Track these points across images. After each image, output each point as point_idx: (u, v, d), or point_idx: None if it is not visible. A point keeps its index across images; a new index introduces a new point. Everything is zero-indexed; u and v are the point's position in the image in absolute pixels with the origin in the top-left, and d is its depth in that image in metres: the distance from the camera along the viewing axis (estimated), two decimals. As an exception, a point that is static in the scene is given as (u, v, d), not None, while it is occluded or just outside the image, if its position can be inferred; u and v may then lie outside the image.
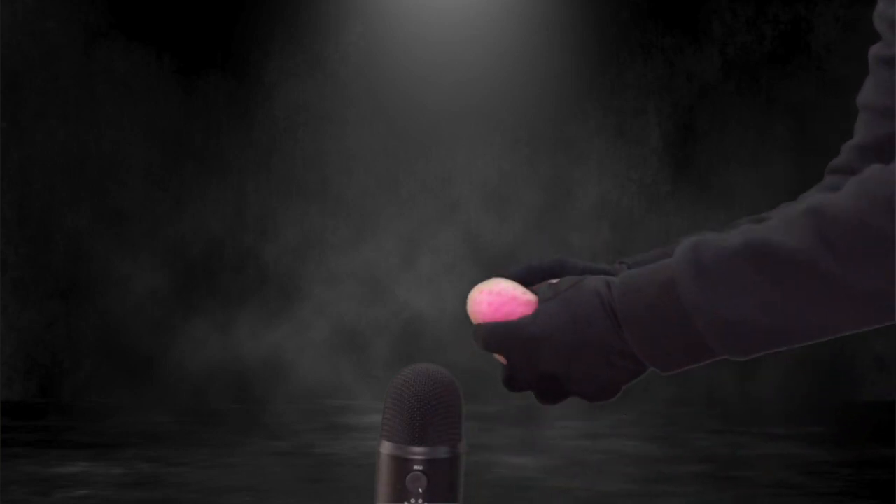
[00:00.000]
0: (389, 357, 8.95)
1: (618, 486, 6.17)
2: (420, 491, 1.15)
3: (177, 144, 9.00)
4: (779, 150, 9.07)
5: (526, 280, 1.36)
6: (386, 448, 1.17)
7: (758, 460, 6.90)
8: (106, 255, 8.91)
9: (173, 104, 8.99)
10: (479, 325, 1.32)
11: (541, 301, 1.29)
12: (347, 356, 8.98)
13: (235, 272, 9.04)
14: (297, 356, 8.90)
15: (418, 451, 1.16)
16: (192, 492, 6.04)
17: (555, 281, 1.32)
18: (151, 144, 8.98)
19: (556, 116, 9.08)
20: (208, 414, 8.35)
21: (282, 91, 9.03)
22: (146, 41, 8.93)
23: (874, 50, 1.46)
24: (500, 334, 1.30)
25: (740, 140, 9.11)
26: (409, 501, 1.15)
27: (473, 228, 9.07)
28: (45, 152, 8.91)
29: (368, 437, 7.46)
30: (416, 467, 1.15)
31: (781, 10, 9.12)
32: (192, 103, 9.01)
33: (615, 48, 9.10)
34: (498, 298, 1.33)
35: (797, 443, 7.40)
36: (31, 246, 8.93)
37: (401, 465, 1.16)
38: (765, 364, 8.92)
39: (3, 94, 8.83)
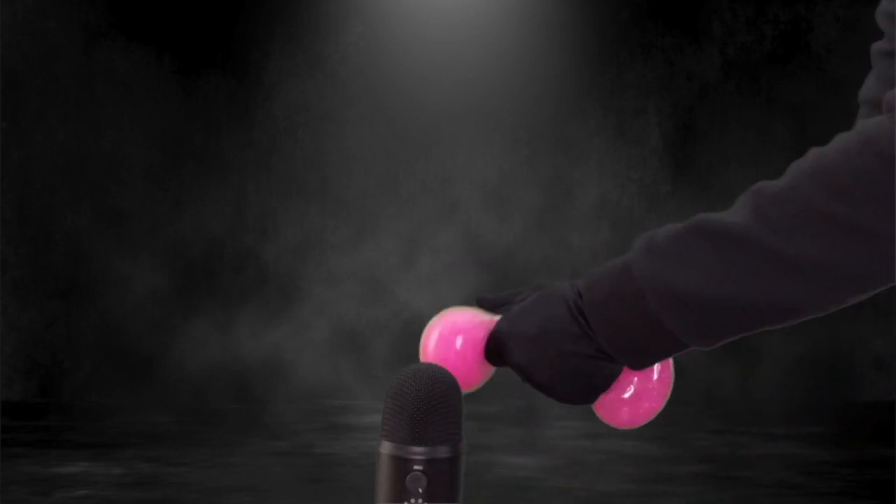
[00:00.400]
0: (389, 357, 8.95)
1: (618, 486, 6.17)
2: (420, 491, 1.15)
3: (177, 144, 9.00)
4: (779, 150, 9.07)
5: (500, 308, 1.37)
6: (386, 448, 1.17)
7: (758, 460, 6.90)
8: (106, 255, 8.91)
9: (173, 104, 8.99)
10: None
11: (507, 308, 1.31)
12: (347, 356, 8.98)
13: (235, 272, 9.04)
14: (297, 356, 8.90)
15: (418, 451, 1.16)
16: (192, 492, 6.04)
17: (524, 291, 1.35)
18: (151, 144, 8.98)
19: (556, 116, 9.08)
20: (208, 414, 8.35)
21: (282, 91, 9.03)
22: (146, 41, 8.93)
23: (876, 46, 1.46)
24: (493, 342, 1.31)
25: (740, 140, 9.12)
26: (409, 501, 1.15)
27: (473, 228, 9.07)
28: (45, 152, 8.91)
29: (368, 437, 7.46)
30: (416, 467, 1.15)
31: (781, 10, 9.12)
32: (192, 103, 9.01)
33: (615, 48, 9.10)
34: (460, 339, 1.31)
35: (797, 443, 7.40)
36: (31, 246, 8.93)
37: (401, 465, 1.16)
38: (764, 364, 8.93)
39: (3, 94, 8.83)
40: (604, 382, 1.26)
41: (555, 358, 1.25)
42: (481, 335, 1.30)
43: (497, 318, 1.31)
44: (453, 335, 1.29)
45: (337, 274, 9.01)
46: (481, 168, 9.09)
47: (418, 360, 1.30)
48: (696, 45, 9.15)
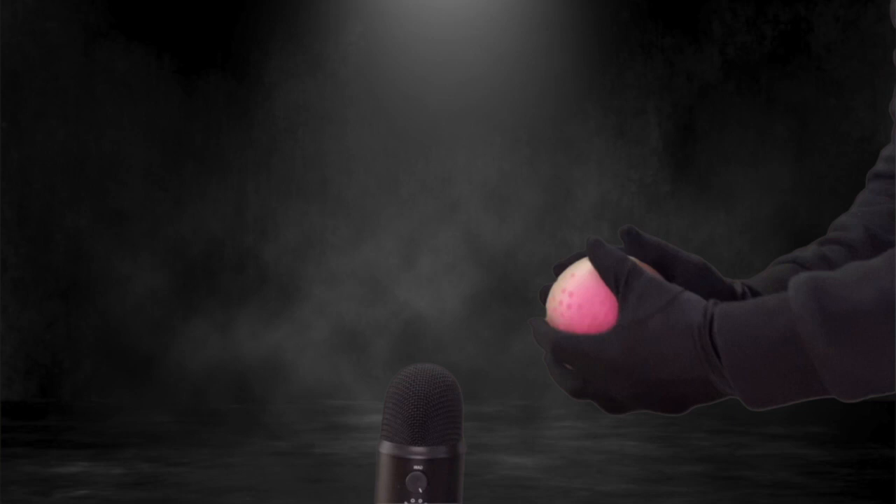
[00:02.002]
0: (389, 357, 8.95)
1: (618, 486, 6.17)
2: (420, 491, 1.15)
3: (177, 144, 9.00)
4: (779, 150, 9.07)
5: (655, 263, 1.28)
6: (386, 448, 1.17)
7: (758, 460, 6.90)
8: (106, 255, 8.91)
9: (173, 104, 8.99)
10: (551, 332, 1.23)
11: (624, 314, 1.20)
12: (347, 356, 8.98)
13: (235, 272, 9.04)
14: (297, 356, 8.90)
15: (418, 451, 1.16)
16: (192, 492, 6.04)
17: (643, 281, 1.22)
18: (151, 144, 8.98)
19: (556, 116, 9.08)
20: (208, 414, 8.35)
21: (282, 91, 9.03)
22: (146, 41, 8.93)
23: None
24: (573, 350, 1.22)
25: (740, 140, 9.11)
26: (409, 501, 1.15)
27: (473, 228, 9.07)
28: (45, 152, 8.91)
29: (368, 437, 7.46)
30: (416, 467, 1.15)
31: (781, 10, 9.12)
32: (192, 103, 9.01)
33: (615, 48, 9.10)
34: (577, 306, 1.22)
35: (797, 443, 7.40)
36: (31, 246, 8.93)
37: (401, 465, 1.16)
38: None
39: (3, 94, 8.83)
40: (704, 402, 1.21)
41: (670, 398, 1.20)
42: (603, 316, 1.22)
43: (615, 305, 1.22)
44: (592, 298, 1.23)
45: (337, 274, 9.01)
46: (481, 168, 9.09)
47: (418, 359, 1.30)
48: (696, 45, 9.15)
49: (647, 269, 1.25)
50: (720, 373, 1.16)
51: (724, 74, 9.14)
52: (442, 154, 9.08)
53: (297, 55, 9.03)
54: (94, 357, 8.96)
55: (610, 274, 1.22)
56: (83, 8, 8.91)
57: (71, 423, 7.97)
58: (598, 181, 9.14)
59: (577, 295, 1.23)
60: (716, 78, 9.14)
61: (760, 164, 9.07)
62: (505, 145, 9.09)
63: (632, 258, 1.25)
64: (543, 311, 1.28)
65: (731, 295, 1.29)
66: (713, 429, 7.89)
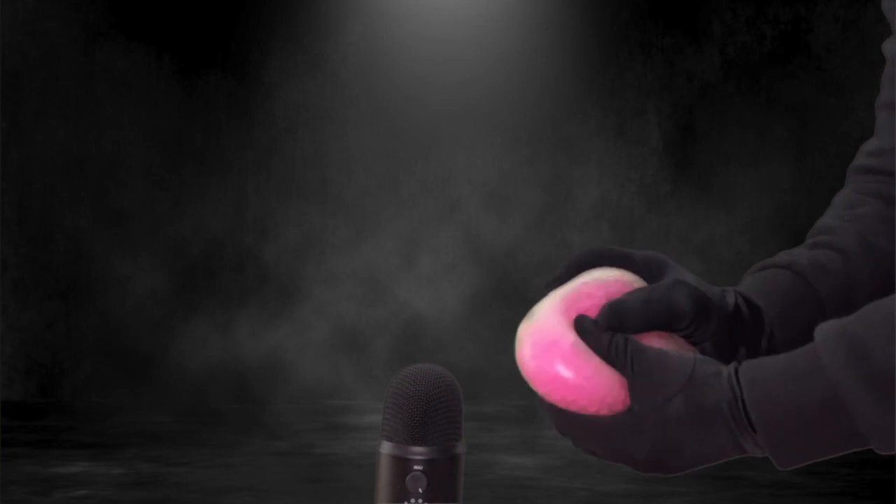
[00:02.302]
0: (389, 357, 8.95)
1: (618, 486, 6.17)
2: (420, 491, 1.15)
3: (177, 144, 9.00)
4: (779, 150, 9.07)
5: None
6: (386, 448, 1.16)
7: (758, 460, 6.89)
8: (106, 255, 8.91)
9: (173, 104, 8.99)
10: (549, 407, 1.14)
11: (639, 406, 1.09)
12: (347, 356, 8.98)
13: (235, 272, 9.04)
14: (297, 356, 8.90)
15: (418, 451, 1.16)
16: (192, 492, 6.04)
17: (650, 361, 1.10)
18: (151, 144, 8.98)
19: (556, 116, 9.08)
20: (208, 414, 8.35)
21: (282, 91, 9.03)
22: (146, 41, 8.93)
23: (889, 44, 1.38)
24: (581, 432, 1.13)
25: (740, 140, 9.11)
26: (409, 501, 1.15)
27: (473, 228, 9.07)
28: (45, 152, 8.91)
29: (368, 437, 7.46)
30: (416, 467, 1.15)
31: (781, 10, 9.12)
32: (192, 103, 9.01)
33: (615, 48, 9.10)
34: (570, 377, 1.09)
35: (797, 443, 7.39)
36: (31, 246, 8.93)
37: (401, 465, 1.16)
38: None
39: (3, 94, 8.83)
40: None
41: (687, 465, 1.12)
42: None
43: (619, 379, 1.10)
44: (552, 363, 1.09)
45: (337, 274, 9.02)
46: (481, 168, 9.09)
47: (418, 359, 1.29)
48: (696, 45, 9.15)
49: (649, 341, 1.12)
50: (754, 442, 1.09)
51: (724, 74, 9.14)
52: (442, 154, 9.08)
53: (297, 55, 9.03)
54: (94, 357, 8.96)
55: (608, 358, 1.10)
56: (83, 8, 8.91)
57: (71, 423, 7.97)
58: (598, 181, 9.14)
59: (539, 346, 1.10)
60: (716, 78, 9.14)
61: (760, 164, 9.07)
62: (505, 145, 9.09)
63: (624, 336, 1.10)
64: None
65: (722, 303, 1.19)
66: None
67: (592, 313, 1.11)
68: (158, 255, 8.93)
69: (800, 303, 1.24)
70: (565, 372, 1.10)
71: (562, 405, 1.12)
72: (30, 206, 8.93)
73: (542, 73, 9.01)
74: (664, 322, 1.12)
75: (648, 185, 9.15)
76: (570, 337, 1.10)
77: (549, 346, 1.10)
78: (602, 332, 1.10)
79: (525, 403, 8.48)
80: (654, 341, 1.12)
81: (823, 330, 1.08)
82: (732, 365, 1.09)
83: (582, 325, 1.11)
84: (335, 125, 9.07)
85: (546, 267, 8.98)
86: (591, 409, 1.10)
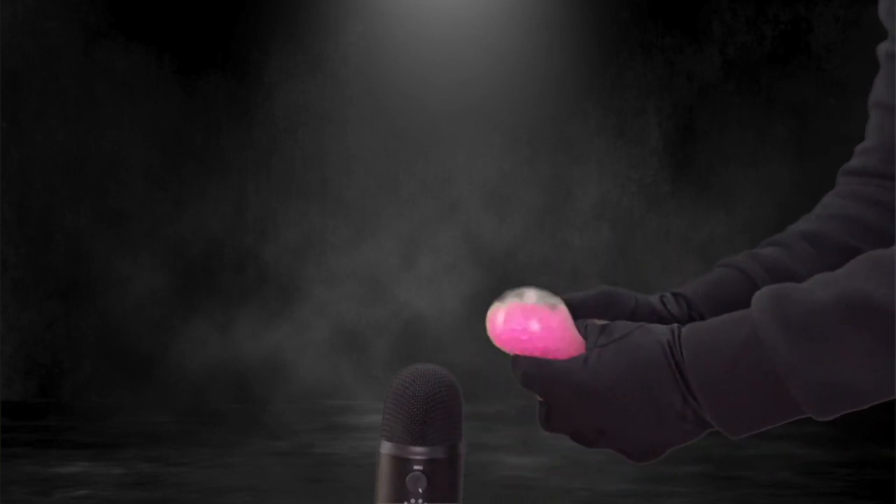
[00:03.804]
0: (389, 357, 8.95)
1: (618, 486, 6.17)
2: (420, 491, 1.15)
3: (177, 144, 9.00)
4: (779, 150, 9.07)
5: (571, 311, 1.22)
6: (386, 448, 1.17)
7: (758, 460, 6.90)
8: (106, 255, 8.91)
9: (173, 104, 8.99)
10: (518, 359, 1.20)
11: (592, 345, 1.17)
12: (347, 356, 8.98)
13: (235, 272, 9.04)
14: (297, 356, 8.90)
15: (418, 451, 1.16)
16: (192, 492, 6.04)
17: (602, 322, 1.20)
18: (151, 144, 8.98)
19: (556, 116, 9.08)
20: (208, 414, 8.35)
21: (282, 91, 9.03)
22: (146, 41, 8.93)
23: (884, 47, 1.40)
24: (543, 376, 1.18)
25: (740, 140, 9.12)
26: (409, 501, 1.15)
27: (473, 228, 9.07)
28: (45, 152, 8.91)
29: (368, 437, 7.46)
30: (416, 467, 1.15)
31: (781, 10, 9.12)
32: (192, 103, 9.01)
33: (615, 48, 9.10)
34: (538, 329, 1.18)
35: (797, 443, 7.40)
36: (31, 246, 8.93)
37: (401, 465, 1.16)
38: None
39: (3, 94, 8.83)
40: (680, 443, 1.19)
41: (644, 429, 1.16)
42: (545, 342, 1.19)
43: (577, 336, 1.19)
44: (527, 319, 1.19)
45: (337, 274, 9.02)
46: (481, 168, 9.10)
47: (418, 359, 1.30)
48: (696, 45, 9.15)
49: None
50: (691, 394, 1.13)
51: (724, 74, 9.14)
52: (442, 154, 9.08)
53: (297, 55, 9.03)
54: (94, 357, 8.96)
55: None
56: (83, 8, 8.91)
57: (71, 423, 7.97)
58: (598, 181, 9.14)
59: (536, 321, 1.19)
60: (716, 78, 9.14)
61: (760, 164, 9.07)
62: (505, 145, 9.09)
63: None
64: None
65: (648, 309, 1.26)
66: (713, 429, 7.88)
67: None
68: (158, 255, 8.93)
69: (724, 282, 1.30)
70: (535, 325, 1.19)
71: (529, 352, 1.20)
72: (30, 206, 8.93)
73: (542, 73, 9.01)
74: (575, 306, 1.23)
75: (648, 185, 9.15)
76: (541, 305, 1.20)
77: (522, 308, 1.19)
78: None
79: (525, 403, 8.47)
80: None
81: (762, 289, 1.14)
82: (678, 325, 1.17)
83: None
84: (335, 125, 9.07)
85: (546, 267, 8.98)
86: (553, 352, 1.19)
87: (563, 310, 1.19)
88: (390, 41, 8.97)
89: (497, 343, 1.22)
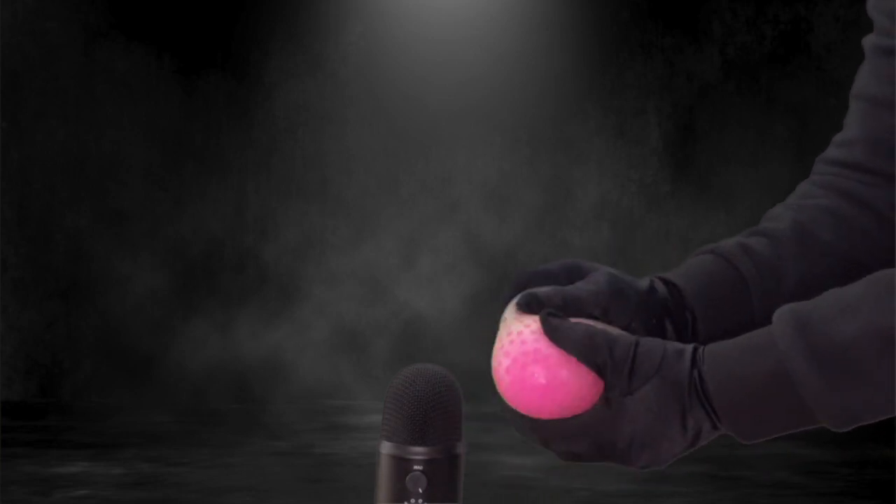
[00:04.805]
0: (389, 357, 8.95)
1: (618, 486, 6.17)
2: (420, 491, 1.15)
3: (177, 144, 9.00)
4: (779, 150, 9.07)
5: (576, 308, 1.19)
6: (386, 448, 1.16)
7: (758, 460, 6.89)
8: (106, 255, 8.91)
9: (173, 104, 8.99)
10: (535, 422, 1.18)
11: (612, 390, 1.14)
12: (347, 356, 8.98)
13: (235, 272, 9.04)
14: (297, 356, 8.90)
15: (418, 451, 1.16)
16: (192, 492, 6.04)
17: (614, 333, 1.16)
18: (151, 144, 8.98)
19: (556, 116, 9.08)
20: (208, 414, 8.35)
21: (282, 91, 9.03)
22: (146, 41, 8.93)
23: (870, 39, 1.40)
24: (568, 434, 1.16)
25: (740, 140, 9.11)
26: (409, 501, 1.15)
27: (473, 228, 9.07)
28: (45, 152, 8.91)
29: (368, 437, 7.46)
30: (416, 467, 1.15)
31: (781, 10, 9.12)
32: (192, 103, 9.01)
33: (615, 48, 9.10)
34: (552, 383, 1.14)
35: (797, 443, 7.40)
36: (31, 246, 8.93)
37: (401, 465, 1.15)
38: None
39: (3, 94, 8.83)
40: (688, 451, 1.19)
41: (662, 455, 1.16)
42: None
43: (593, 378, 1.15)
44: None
45: (337, 274, 9.01)
46: (481, 168, 9.09)
47: (418, 359, 1.30)
48: (696, 45, 9.15)
49: (602, 326, 1.18)
50: (711, 416, 1.14)
51: (724, 74, 9.14)
52: (442, 154, 9.08)
53: (297, 55, 9.03)
54: (94, 357, 8.96)
55: (583, 353, 1.15)
56: (83, 8, 8.91)
57: (71, 423, 7.97)
58: (598, 181, 9.14)
59: (546, 371, 1.15)
60: (716, 78, 9.14)
61: (760, 164, 9.07)
62: (505, 145, 9.09)
63: (591, 323, 1.16)
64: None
65: (647, 306, 1.23)
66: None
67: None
68: (158, 255, 8.93)
69: (718, 279, 1.28)
70: (541, 378, 1.15)
71: (543, 415, 1.16)
72: (30, 206, 8.93)
73: (542, 73, 9.01)
74: (574, 303, 1.18)
75: (648, 185, 9.15)
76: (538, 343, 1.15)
77: (524, 356, 1.16)
78: (573, 326, 1.15)
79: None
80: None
81: (780, 310, 1.14)
82: (695, 345, 1.15)
83: (548, 322, 1.16)
84: (335, 125, 9.07)
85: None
86: (570, 408, 1.14)
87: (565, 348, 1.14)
88: (390, 41, 8.97)
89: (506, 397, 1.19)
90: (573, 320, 1.17)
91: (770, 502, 5.92)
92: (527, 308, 1.19)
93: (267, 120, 9.04)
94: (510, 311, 1.22)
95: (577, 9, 8.99)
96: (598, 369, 1.14)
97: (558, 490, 6.13)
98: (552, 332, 1.16)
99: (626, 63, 9.12)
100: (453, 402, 1.18)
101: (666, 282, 1.27)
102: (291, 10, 8.97)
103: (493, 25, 8.94)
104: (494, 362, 1.19)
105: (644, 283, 1.24)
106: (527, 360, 1.17)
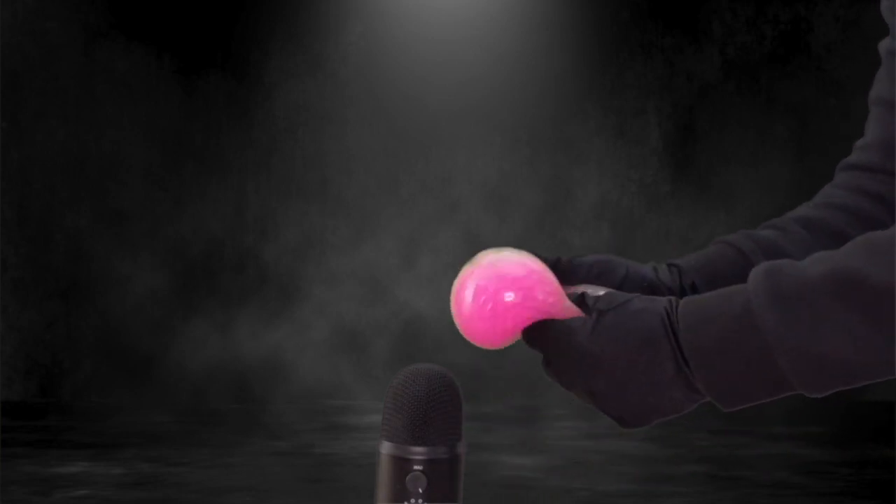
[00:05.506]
0: (389, 357, 8.95)
1: (618, 486, 6.17)
2: (420, 491, 1.15)
3: (177, 144, 9.00)
4: (779, 150, 9.07)
5: (564, 276, 1.26)
6: (386, 448, 1.16)
7: (758, 460, 6.90)
8: (106, 255, 8.91)
9: (173, 104, 8.99)
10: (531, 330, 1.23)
11: (592, 309, 1.19)
12: (347, 356, 8.98)
13: (235, 272, 9.04)
14: (297, 356, 8.90)
15: (418, 451, 1.16)
16: (192, 492, 6.04)
17: (600, 291, 1.22)
18: (151, 144, 8.98)
19: (556, 116, 9.08)
20: (208, 414, 8.35)
21: (282, 91, 9.03)
22: (146, 41, 8.93)
23: (885, 44, 1.41)
24: (543, 332, 1.21)
25: (740, 140, 9.11)
26: (409, 501, 1.15)
27: (473, 228, 9.07)
28: (45, 152, 8.91)
29: (368, 437, 7.46)
30: (416, 467, 1.15)
31: (781, 10, 9.12)
32: (192, 103, 9.01)
33: (615, 48, 9.10)
34: (527, 294, 1.20)
35: (797, 443, 7.40)
36: (31, 246, 8.93)
37: (401, 465, 1.16)
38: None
39: (3, 94, 8.83)
40: (671, 414, 1.20)
41: (638, 395, 1.17)
42: (530, 311, 1.20)
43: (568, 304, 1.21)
44: (500, 291, 1.21)
45: (337, 274, 9.01)
46: (481, 168, 9.09)
47: (418, 359, 1.30)
48: (696, 45, 9.15)
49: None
50: (685, 362, 1.16)
51: (724, 74, 9.14)
52: (442, 154, 9.08)
53: (297, 55, 9.03)
54: (94, 357, 8.96)
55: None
56: (83, 8, 8.91)
57: (71, 423, 7.97)
58: (598, 181, 9.14)
59: (523, 281, 1.21)
60: (716, 78, 9.14)
61: (760, 164, 9.07)
62: (505, 145, 9.09)
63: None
64: None
65: (639, 275, 1.30)
66: (713, 429, 7.89)
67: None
68: (158, 255, 8.93)
69: (717, 257, 1.34)
70: (511, 296, 1.22)
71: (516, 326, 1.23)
72: (30, 206, 8.93)
73: (542, 73, 9.01)
74: (569, 266, 1.27)
75: (648, 185, 9.15)
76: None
77: (498, 274, 1.23)
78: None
79: (525, 403, 8.48)
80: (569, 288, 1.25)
81: (759, 264, 1.17)
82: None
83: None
84: (335, 125, 9.07)
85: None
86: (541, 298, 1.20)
87: (544, 271, 1.21)
88: (390, 41, 8.97)
89: (465, 331, 1.26)
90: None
91: (770, 502, 5.92)
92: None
93: (267, 120, 9.04)
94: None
95: (577, 9, 8.99)
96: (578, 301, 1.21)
97: (558, 490, 6.13)
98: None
99: (626, 63, 9.13)
100: (453, 402, 1.18)
101: (669, 264, 1.33)
102: (291, 10, 8.97)
103: (493, 25, 8.94)
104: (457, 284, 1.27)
105: (647, 268, 1.31)
106: (499, 279, 1.23)
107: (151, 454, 6.90)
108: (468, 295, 1.23)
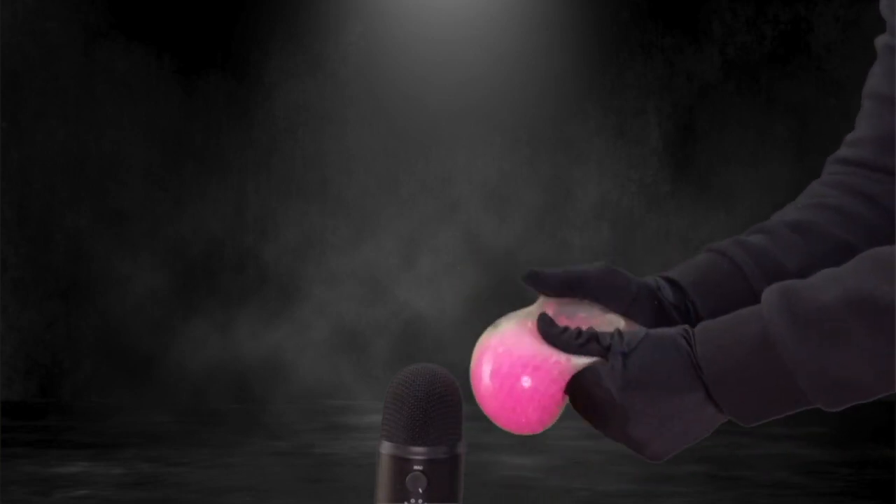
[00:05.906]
0: (389, 357, 8.95)
1: (618, 486, 6.17)
2: (420, 491, 1.15)
3: (177, 144, 9.00)
4: (779, 150, 9.07)
5: (564, 291, 1.25)
6: (386, 448, 1.16)
7: (758, 460, 6.90)
8: (106, 255, 8.91)
9: (173, 104, 8.99)
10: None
11: (612, 354, 1.18)
12: (347, 356, 8.98)
13: (235, 272, 9.04)
14: (297, 356, 8.90)
15: (418, 451, 1.16)
16: (192, 492, 6.04)
17: (615, 329, 1.20)
18: (151, 144, 8.98)
19: (556, 116, 9.08)
20: (208, 414, 8.35)
21: (282, 91, 9.03)
22: (146, 41, 8.93)
23: (882, 40, 1.41)
24: (574, 390, 1.21)
25: (740, 140, 9.11)
26: (409, 501, 1.15)
27: (473, 228, 9.07)
28: (45, 152, 8.91)
29: (368, 437, 7.46)
30: (416, 467, 1.15)
31: (781, 10, 9.12)
32: (192, 103, 9.01)
33: (615, 48, 9.10)
34: (535, 386, 1.20)
35: (797, 443, 7.40)
36: (31, 246, 8.93)
37: (401, 465, 1.16)
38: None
39: (3, 94, 8.83)
40: (701, 437, 1.22)
41: (670, 432, 1.20)
42: (554, 376, 1.19)
43: (559, 352, 1.20)
44: (515, 372, 1.21)
45: (337, 274, 9.01)
46: (481, 168, 9.09)
47: (418, 359, 1.30)
48: (696, 45, 9.14)
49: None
50: (703, 383, 1.17)
51: (724, 74, 9.14)
52: (442, 154, 9.08)
53: (297, 55, 9.03)
54: (94, 357, 8.96)
55: (564, 346, 1.21)
56: (83, 8, 8.91)
57: (71, 423, 7.97)
58: (598, 181, 9.14)
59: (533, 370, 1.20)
60: (716, 78, 9.14)
61: (760, 164, 9.07)
62: (505, 145, 9.09)
63: (573, 328, 1.22)
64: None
65: (648, 291, 1.28)
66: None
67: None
68: (158, 255, 8.93)
69: (710, 269, 1.33)
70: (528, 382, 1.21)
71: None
72: (30, 206, 8.93)
73: (542, 73, 9.01)
74: (576, 280, 1.25)
75: (648, 185, 9.15)
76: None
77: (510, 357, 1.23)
78: (559, 330, 1.22)
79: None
80: (572, 306, 1.24)
81: (771, 286, 1.18)
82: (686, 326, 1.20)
83: (542, 319, 1.24)
84: (335, 125, 9.07)
85: (546, 267, 8.96)
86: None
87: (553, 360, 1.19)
88: (390, 41, 8.97)
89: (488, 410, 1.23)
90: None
91: (770, 502, 5.92)
92: (530, 282, 1.27)
93: (267, 120, 9.04)
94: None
95: (577, 9, 8.99)
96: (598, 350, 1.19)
97: (558, 490, 6.13)
98: (543, 331, 1.23)
99: (626, 63, 9.12)
100: (453, 401, 1.18)
101: (664, 278, 1.31)
102: (291, 10, 8.97)
103: (493, 25, 8.94)
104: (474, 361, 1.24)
105: (640, 281, 1.28)
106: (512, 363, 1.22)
107: (151, 454, 6.90)
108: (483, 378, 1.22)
